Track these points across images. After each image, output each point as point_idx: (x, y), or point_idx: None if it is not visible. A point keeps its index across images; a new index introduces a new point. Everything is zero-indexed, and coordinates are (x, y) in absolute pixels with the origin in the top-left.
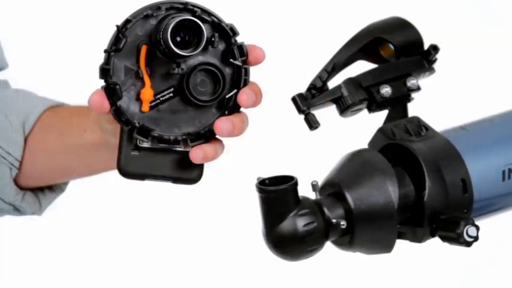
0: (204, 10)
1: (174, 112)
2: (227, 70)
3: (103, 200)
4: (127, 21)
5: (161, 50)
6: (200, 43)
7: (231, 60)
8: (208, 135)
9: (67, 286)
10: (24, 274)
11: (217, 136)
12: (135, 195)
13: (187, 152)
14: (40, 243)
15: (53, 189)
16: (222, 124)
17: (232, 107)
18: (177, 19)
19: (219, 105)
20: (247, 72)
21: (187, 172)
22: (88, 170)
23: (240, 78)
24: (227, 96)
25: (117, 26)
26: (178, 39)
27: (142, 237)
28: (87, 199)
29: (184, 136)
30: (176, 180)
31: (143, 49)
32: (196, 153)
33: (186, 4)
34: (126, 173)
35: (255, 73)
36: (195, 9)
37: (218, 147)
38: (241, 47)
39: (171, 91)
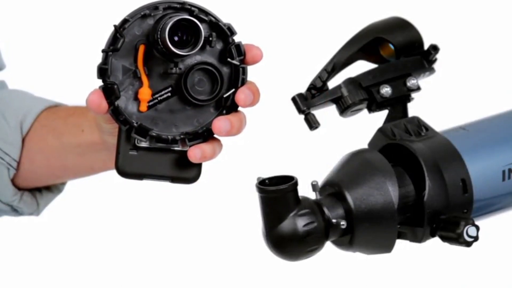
0: (202, 10)
1: (172, 111)
2: (225, 70)
3: (102, 200)
4: (125, 21)
5: (158, 50)
6: (197, 43)
7: (228, 59)
8: (206, 135)
9: (65, 286)
10: (22, 275)
11: (215, 135)
12: (133, 195)
13: (185, 151)
14: (37, 244)
15: (51, 189)
16: (220, 123)
17: (230, 107)
18: (175, 19)
19: (217, 104)
20: (244, 72)
21: (185, 171)
22: (86, 170)
23: (238, 78)
24: (225, 96)
25: (115, 26)
26: (176, 38)
27: (141, 237)
28: (85, 199)
29: (182, 136)
30: (174, 180)
31: (141, 48)
32: (194, 152)
33: (183, 3)
34: (124, 173)
35: (254, 73)
36: (193, 8)
37: (216, 146)
38: (238, 46)
39: (169, 91)
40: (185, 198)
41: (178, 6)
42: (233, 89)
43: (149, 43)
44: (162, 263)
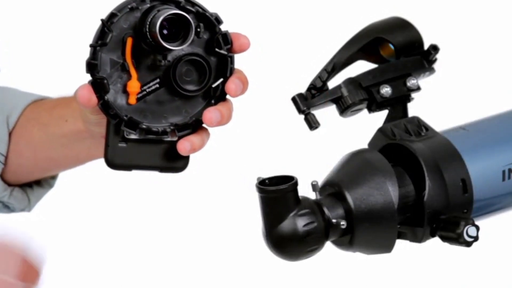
0: (188, 1)
1: (161, 103)
2: (212, 59)
3: (98, 197)
4: (112, 15)
5: (147, 43)
6: (188, 37)
7: (216, 49)
8: (195, 125)
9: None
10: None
11: (203, 125)
12: (133, 194)
13: (174, 142)
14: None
15: (42, 184)
16: (210, 114)
17: (218, 96)
18: (165, 13)
19: (205, 94)
20: (232, 61)
21: (173, 160)
22: (72, 161)
23: (226, 67)
24: (213, 86)
25: (102, 20)
26: (165, 32)
27: (140, 237)
28: (81, 196)
29: (172, 127)
30: (163, 170)
31: (129, 41)
32: (184, 145)
33: None
34: (114, 165)
35: (254, 72)
36: (188, 2)
37: (204, 137)
38: (225, 35)
39: (157, 82)
40: (185, 198)
41: None
42: (222, 79)
43: (136, 36)
44: (162, 263)
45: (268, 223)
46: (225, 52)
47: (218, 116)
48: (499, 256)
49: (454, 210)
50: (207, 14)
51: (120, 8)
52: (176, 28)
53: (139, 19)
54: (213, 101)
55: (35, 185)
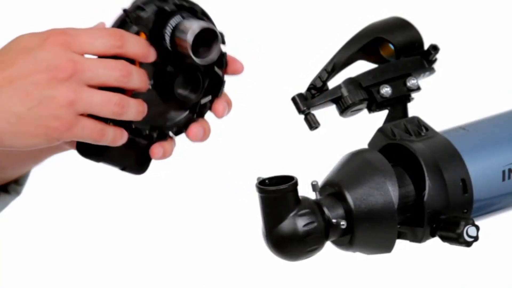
0: (204, 14)
1: (148, 105)
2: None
3: (92, 197)
4: (138, 8)
5: (161, 44)
6: (212, 51)
7: (215, 68)
8: (175, 134)
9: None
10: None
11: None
12: (134, 193)
13: (145, 145)
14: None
15: (9, 191)
16: (196, 130)
17: (202, 113)
18: (200, 26)
19: (191, 107)
20: (224, 83)
21: (139, 162)
22: (28, 156)
23: (218, 87)
24: (202, 102)
25: (126, 10)
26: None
27: (140, 238)
28: (76, 195)
29: (156, 132)
30: (126, 168)
31: (142, 37)
32: (157, 150)
33: (194, 5)
34: (85, 153)
35: (253, 73)
36: (202, 16)
37: (173, 145)
38: (224, 56)
39: (150, 84)
40: (185, 198)
41: (186, 4)
42: (210, 97)
43: (150, 35)
44: (163, 263)
45: (268, 223)
46: (221, 73)
47: (201, 132)
48: (499, 256)
49: (454, 210)
50: (217, 31)
51: (146, 2)
52: (202, 41)
53: (158, 19)
54: (195, 116)
55: (2, 192)
